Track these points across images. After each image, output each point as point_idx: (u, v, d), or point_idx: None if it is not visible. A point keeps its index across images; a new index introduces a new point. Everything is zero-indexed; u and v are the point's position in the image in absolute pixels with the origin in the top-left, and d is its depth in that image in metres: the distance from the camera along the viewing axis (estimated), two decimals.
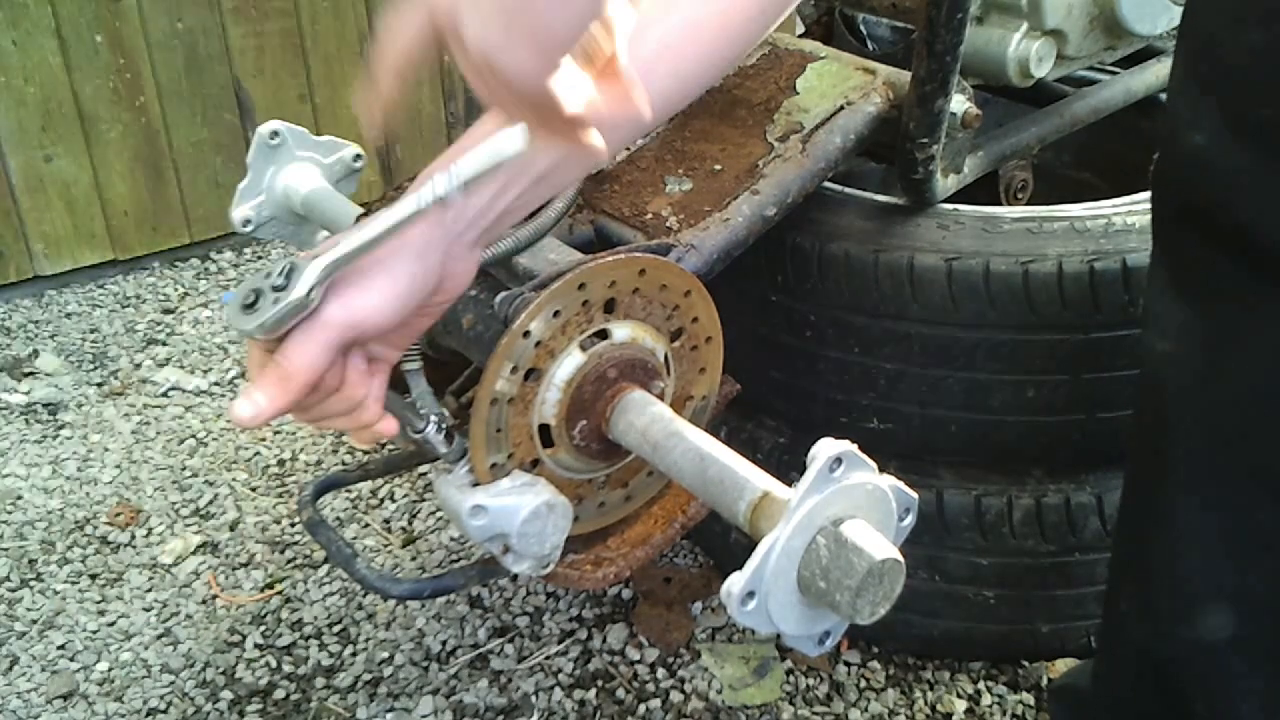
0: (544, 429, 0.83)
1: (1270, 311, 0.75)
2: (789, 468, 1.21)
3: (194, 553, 1.56)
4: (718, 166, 1.06)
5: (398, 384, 0.81)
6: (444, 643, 1.39)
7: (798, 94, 1.12)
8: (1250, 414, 0.78)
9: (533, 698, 1.31)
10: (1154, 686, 0.89)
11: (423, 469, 1.63)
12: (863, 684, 1.31)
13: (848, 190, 1.23)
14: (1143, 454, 0.90)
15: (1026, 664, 1.31)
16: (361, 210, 0.96)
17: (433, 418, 0.81)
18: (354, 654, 1.38)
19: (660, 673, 1.33)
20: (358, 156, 1.03)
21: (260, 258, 2.39)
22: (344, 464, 1.74)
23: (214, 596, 1.48)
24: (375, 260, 0.70)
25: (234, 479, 1.70)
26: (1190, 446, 0.83)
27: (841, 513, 0.67)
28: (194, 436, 1.80)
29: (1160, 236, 0.86)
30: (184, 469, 1.73)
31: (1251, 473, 0.79)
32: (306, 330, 0.68)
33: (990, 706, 1.27)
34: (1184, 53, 0.80)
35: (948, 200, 1.17)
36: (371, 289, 0.69)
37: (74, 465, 1.74)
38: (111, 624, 1.44)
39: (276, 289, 0.67)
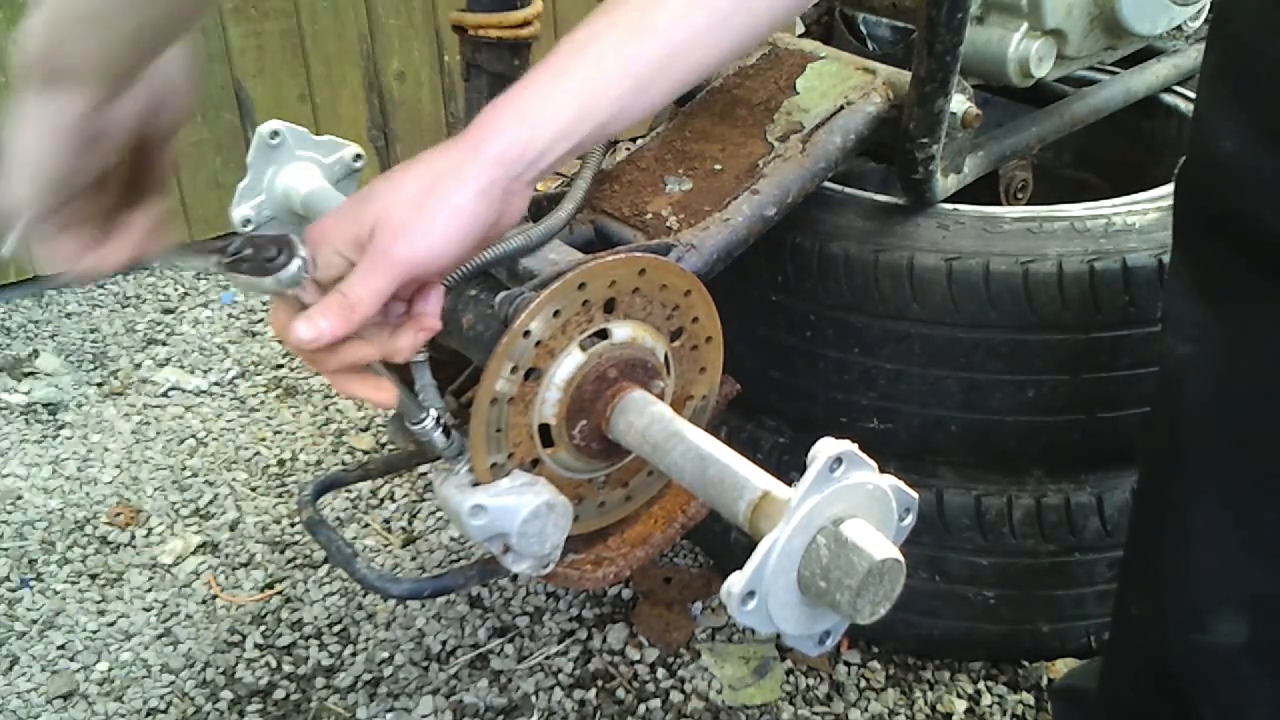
0: (544, 429, 0.83)
1: None
2: (789, 467, 1.21)
3: (194, 553, 1.56)
4: (718, 166, 1.06)
5: (400, 376, 0.81)
6: (444, 643, 1.39)
7: (798, 94, 1.11)
8: (1269, 419, 0.78)
9: (533, 698, 1.31)
10: (1162, 690, 0.89)
11: (423, 469, 1.63)
12: (863, 684, 1.31)
13: (848, 190, 1.23)
14: (1157, 456, 0.90)
15: (1026, 664, 1.31)
16: None
17: (432, 411, 0.81)
18: (354, 654, 1.38)
19: (660, 673, 1.33)
20: (358, 156, 1.03)
21: None
22: (344, 464, 1.74)
23: (214, 596, 1.48)
24: (439, 199, 0.71)
25: (234, 479, 1.70)
26: (1206, 449, 0.82)
27: (842, 512, 0.67)
28: (194, 436, 1.80)
29: (1182, 239, 0.85)
30: (184, 469, 1.73)
31: (1268, 477, 0.79)
32: (373, 265, 0.71)
33: (990, 706, 1.27)
34: (1213, 57, 0.79)
35: (948, 200, 1.17)
36: (435, 229, 0.71)
37: (74, 465, 1.74)
38: (111, 624, 1.44)
39: (269, 260, 0.69)
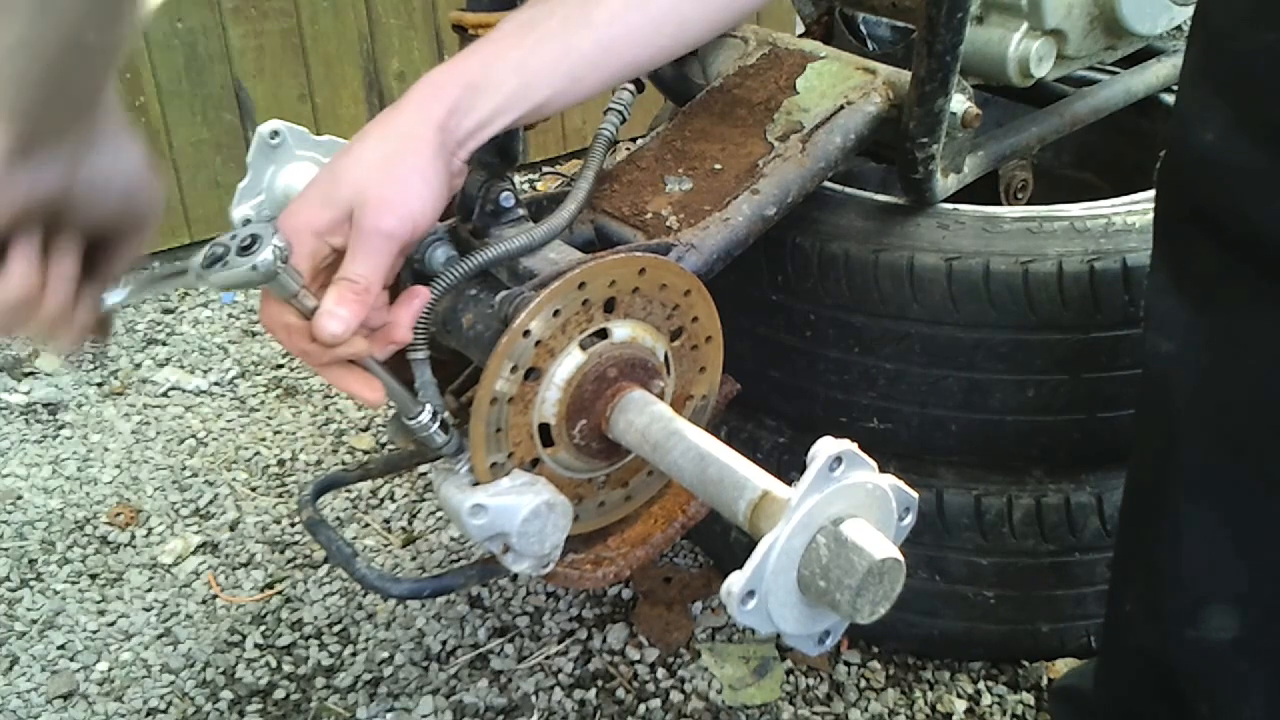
0: (544, 428, 0.83)
1: (1277, 312, 0.75)
2: (789, 467, 1.21)
3: (194, 552, 1.56)
4: (718, 166, 1.06)
5: (401, 374, 0.81)
6: (444, 642, 1.39)
7: (798, 93, 1.11)
8: (1255, 415, 0.78)
9: (533, 698, 1.31)
10: (1157, 687, 0.89)
11: (423, 469, 1.63)
12: (863, 684, 1.31)
13: (848, 190, 1.23)
14: (1146, 455, 0.90)
15: (1026, 664, 1.31)
16: None
17: (429, 407, 0.81)
18: (354, 654, 1.38)
19: (660, 673, 1.33)
20: None
21: None
22: (344, 464, 1.74)
23: (214, 596, 1.48)
24: (407, 166, 0.75)
25: (234, 479, 1.70)
26: (1195, 447, 0.82)
27: (842, 512, 0.67)
28: (194, 436, 1.80)
29: (1164, 235, 0.85)
30: (184, 469, 1.73)
31: (1257, 473, 0.79)
32: (368, 243, 0.74)
33: (990, 706, 1.27)
34: (1195, 51, 0.79)
35: (948, 200, 1.17)
36: (412, 195, 0.75)
37: (74, 465, 1.74)
38: (111, 624, 1.44)
39: (243, 250, 0.71)
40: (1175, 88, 1.41)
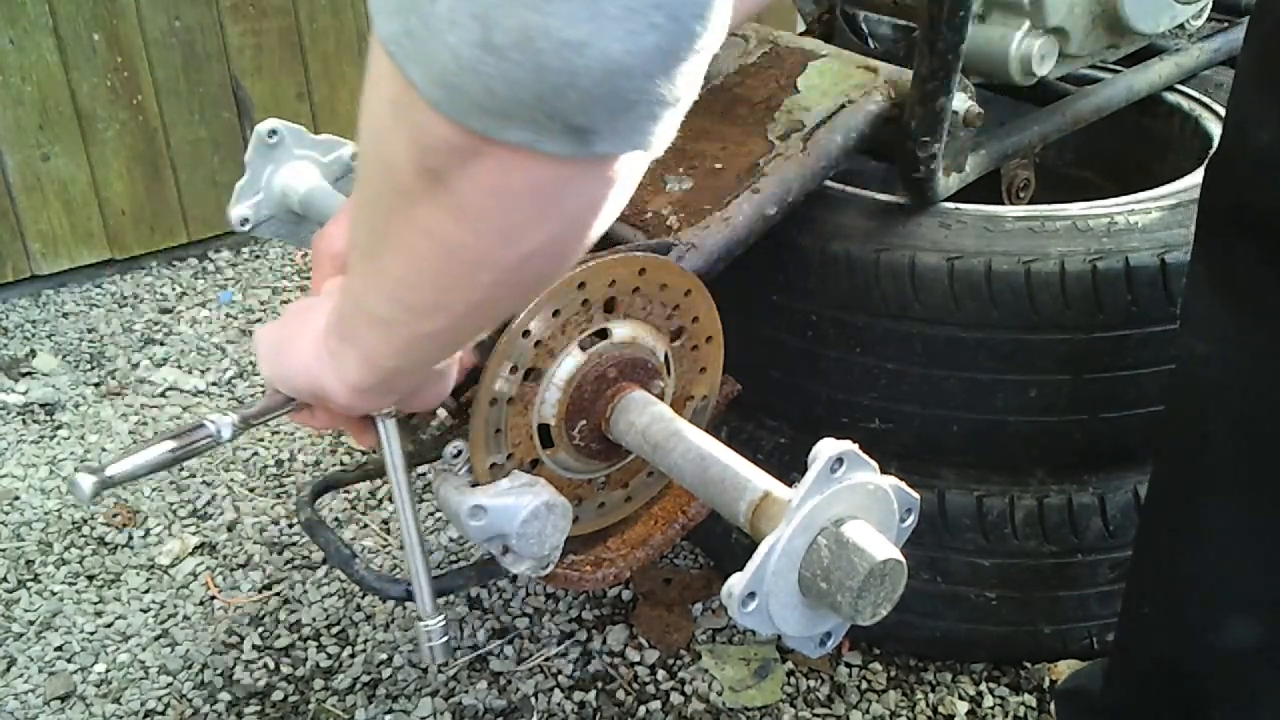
0: (544, 429, 0.83)
1: None
2: (790, 468, 1.21)
3: (192, 554, 1.55)
4: (718, 165, 1.06)
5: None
6: None
7: (799, 92, 1.11)
8: None
9: (532, 699, 1.30)
10: (1169, 692, 0.88)
11: (421, 469, 1.62)
12: (864, 685, 1.30)
13: (849, 189, 1.23)
14: (1175, 457, 0.89)
15: (1029, 665, 1.30)
16: None
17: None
18: (352, 655, 1.38)
19: (660, 674, 1.33)
20: (356, 155, 1.03)
21: (258, 256, 2.38)
22: (342, 464, 1.73)
23: (212, 598, 1.47)
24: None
25: (232, 479, 1.69)
26: (1225, 451, 0.81)
27: (843, 513, 0.66)
28: None
29: (1206, 234, 0.84)
30: (181, 469, 1.72)
31: None
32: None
33: (992, 708, 1.27)
34: (1253, 50, 0.78)
35: (949, 199, 1.17)
36: (430, 391, 0.78)
37: (71, 465, 1.73)
38: (109, 625, 1.44)
39: None
40: (1191, 90, 1.40)
